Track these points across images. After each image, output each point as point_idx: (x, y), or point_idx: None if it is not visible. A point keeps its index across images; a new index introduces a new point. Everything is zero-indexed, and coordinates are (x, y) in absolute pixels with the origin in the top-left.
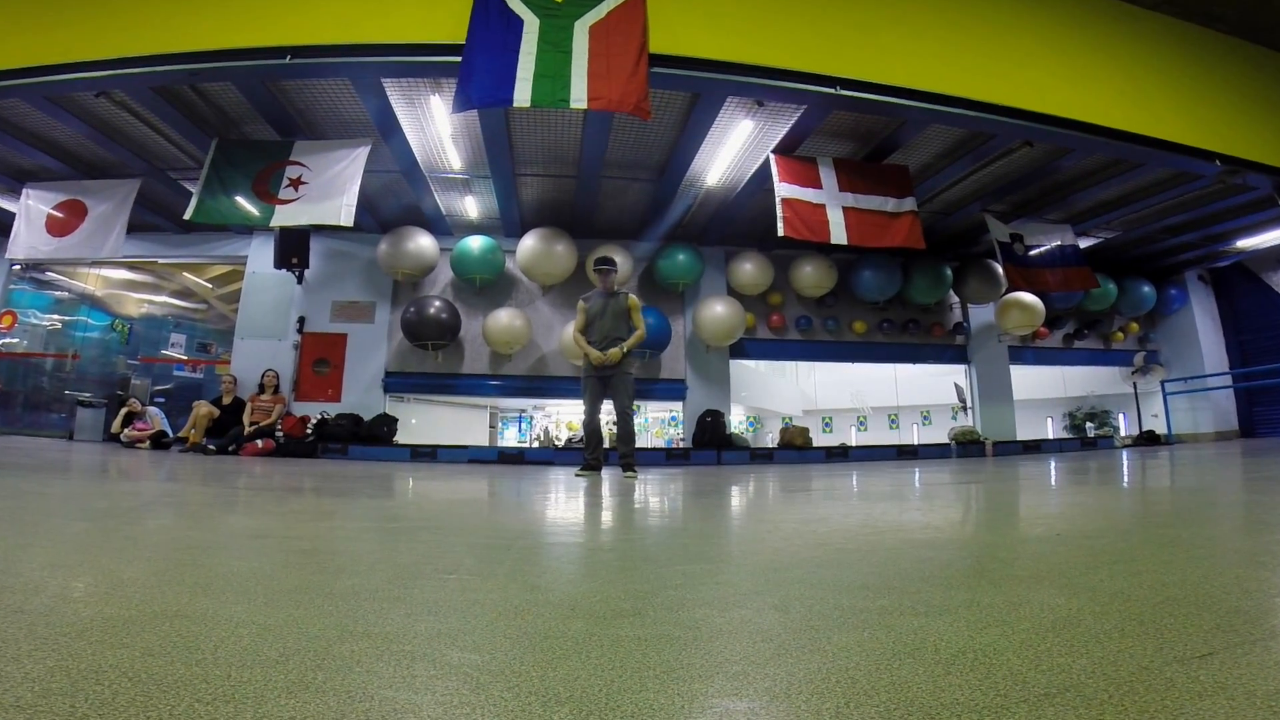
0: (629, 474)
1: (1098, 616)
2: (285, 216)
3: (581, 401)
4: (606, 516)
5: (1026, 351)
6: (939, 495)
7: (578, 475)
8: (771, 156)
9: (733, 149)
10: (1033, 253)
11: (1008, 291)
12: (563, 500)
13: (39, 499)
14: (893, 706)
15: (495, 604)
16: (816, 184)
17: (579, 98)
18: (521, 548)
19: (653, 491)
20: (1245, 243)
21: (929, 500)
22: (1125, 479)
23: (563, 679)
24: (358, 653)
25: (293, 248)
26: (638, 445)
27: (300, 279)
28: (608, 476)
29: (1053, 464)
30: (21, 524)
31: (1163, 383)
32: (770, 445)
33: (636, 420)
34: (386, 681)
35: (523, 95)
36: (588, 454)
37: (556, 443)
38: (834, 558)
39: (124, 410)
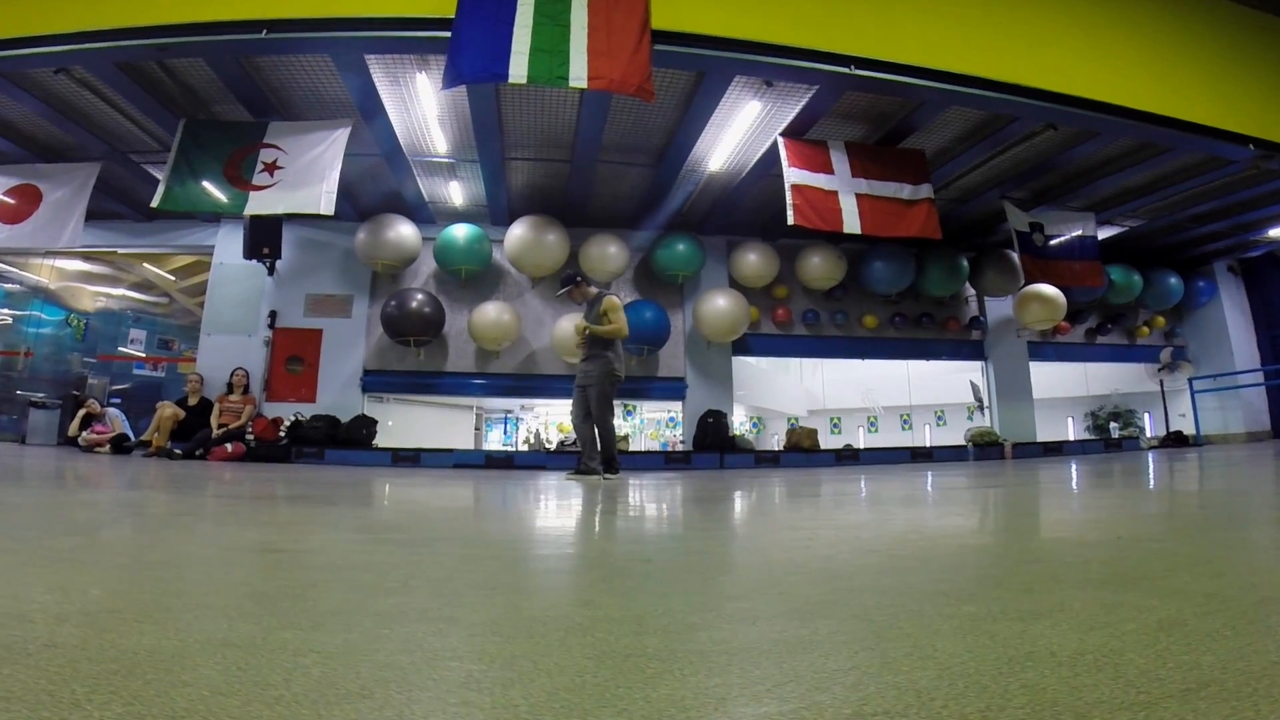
0: (607, 475)
1: (1200, 617)
2: (260, 204)
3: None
4: (629, 526)
5: (1046, 347)
6: (973, 500)
7: (568, 479)
8: (780, 140)
9: (738, 132)
10: (1052, 243)
11: (1026, 284)
12: (573, 509)
13: (8, 511)
14: (1036, 708)
15: (557, 620)
16: (828, 169)
17: (578, 76)
18: (554, 559)
19: (665, 498)
20: (1278, 231)
21: (964, 505)
22: (1163, 482)
23: (668, 699)
24: (440, 680)
25: (264, 237)
26: (631, 448)
27: (271, 270)
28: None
29: (1079, 467)
30: (6, 538)
31: (1190, 380)
32: (776, 448)
33: (632, 421)
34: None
35: (519, 71)
36: (582, 459)
37: (548, 446)
38: (891, 564)
39: (82, 412)
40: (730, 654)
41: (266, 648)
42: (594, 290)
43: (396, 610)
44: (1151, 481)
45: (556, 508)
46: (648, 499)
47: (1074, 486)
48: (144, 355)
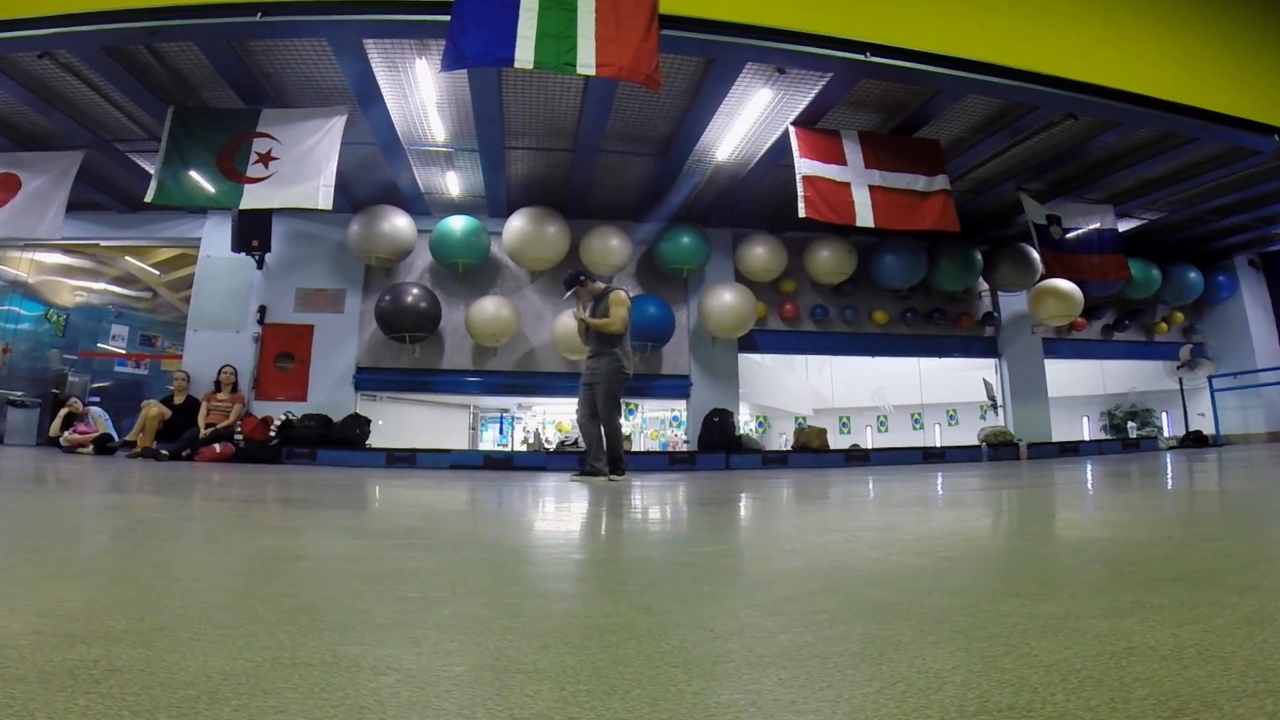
0: (613, 477)
1: None
2: (255, 198)
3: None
4: (656, 530)
5: (1062, 344)
6: (1002, 501)
7: (573, 480)
8: (791, 129)
9: (748, 121)
10: (1070, 236)
11: (1042, 278)
12: (591, 513)
13: (13, 519)
14: (1160, 698)
15: (623, 628)
16: (840, 160)
17: (586, 62)
18: (591, 565)
19: (680, 500)
20: None
21: (995, 506)
22: (1194, 483)
23: (775, 704)
24: (535, 695)
25: (253, 229)
26: (633, 448)
27: (261, 264)
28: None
29: (1101, 468)
30: (17, 548)
31: (1210, 378)
32: (783, 448)
33: (634, 419)
34: None
35: (525, 56)
36: (586, 459)
37: (547, 446)
38: (946, 566)
39: (63, 411)
40: (821, 657)
41: (340, 665)
42: (600, 286)
43: (454, 621)
44: (1182, 482)
45: (573, 511)
46: (664, 501)
47: (1102, 488)
48: (123, 352)
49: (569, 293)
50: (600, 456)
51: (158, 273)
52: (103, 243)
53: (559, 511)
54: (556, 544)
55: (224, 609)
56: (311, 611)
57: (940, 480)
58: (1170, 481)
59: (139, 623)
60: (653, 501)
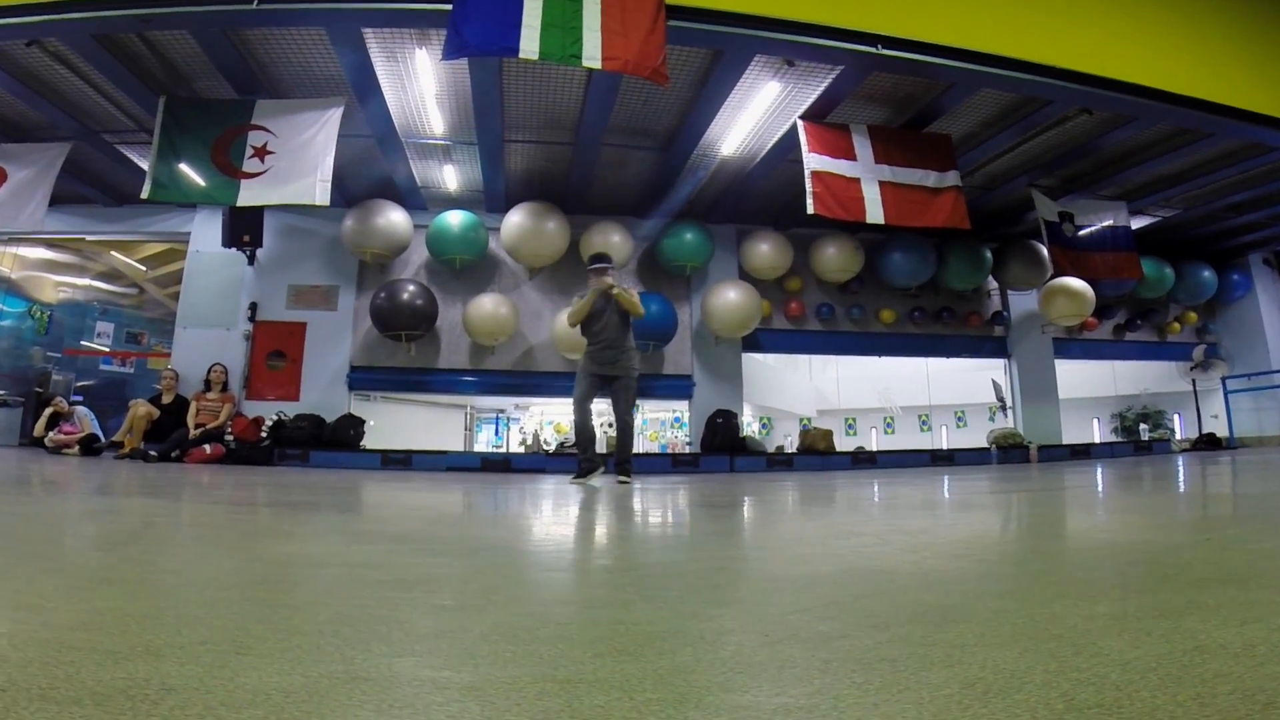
0: (621, 480)
1: None
2: (252, 194)
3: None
4: (675, 534)
5: (1072, 344)
6: (1025, 505)
7: (573, 483)
8: (800, 123)
9: (755, 114)
10: (1082, 233)
11: (1053, 277)
12: (606, 517)
13: (16, 523)
14: (1245, 694)
15: (675, 634)
16: (850, 155)
17: (592, 56)
18: (619, 571)
19: (693, 503)
20: None
21: (1019, 509)
22: (1215, 485)
23: (855, 703)
24: (604, 707)
25: (244, 224)
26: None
27: (252, 259)
28: (605, 484)
29: (1117, 471)
30: (26, 556)
31: (1223, 379)
32: (787, 449)
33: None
34: None
35: (530, 46)
36: (580, 456)
37: (546, 448)
38: (987, 569)
39: (48, 410)
40: (889, 660)
41: (399, 681)
42: (610, 281)
43: (499, 630)
44: (1202, 486)
45: (585, 515)
46: (676, 504)
47: (1122, 491)
48: (107, 349)
49: (598, 266)
50: (594, 455)
51: (144, 268)
52: (88, 237)
53: (570, 516)
54: (578, 549)
55: (259, 620)
56: (351, 622)
57: (954, 484)
58: (1190, 485)
59: (178, 636)
60: (665, 505)
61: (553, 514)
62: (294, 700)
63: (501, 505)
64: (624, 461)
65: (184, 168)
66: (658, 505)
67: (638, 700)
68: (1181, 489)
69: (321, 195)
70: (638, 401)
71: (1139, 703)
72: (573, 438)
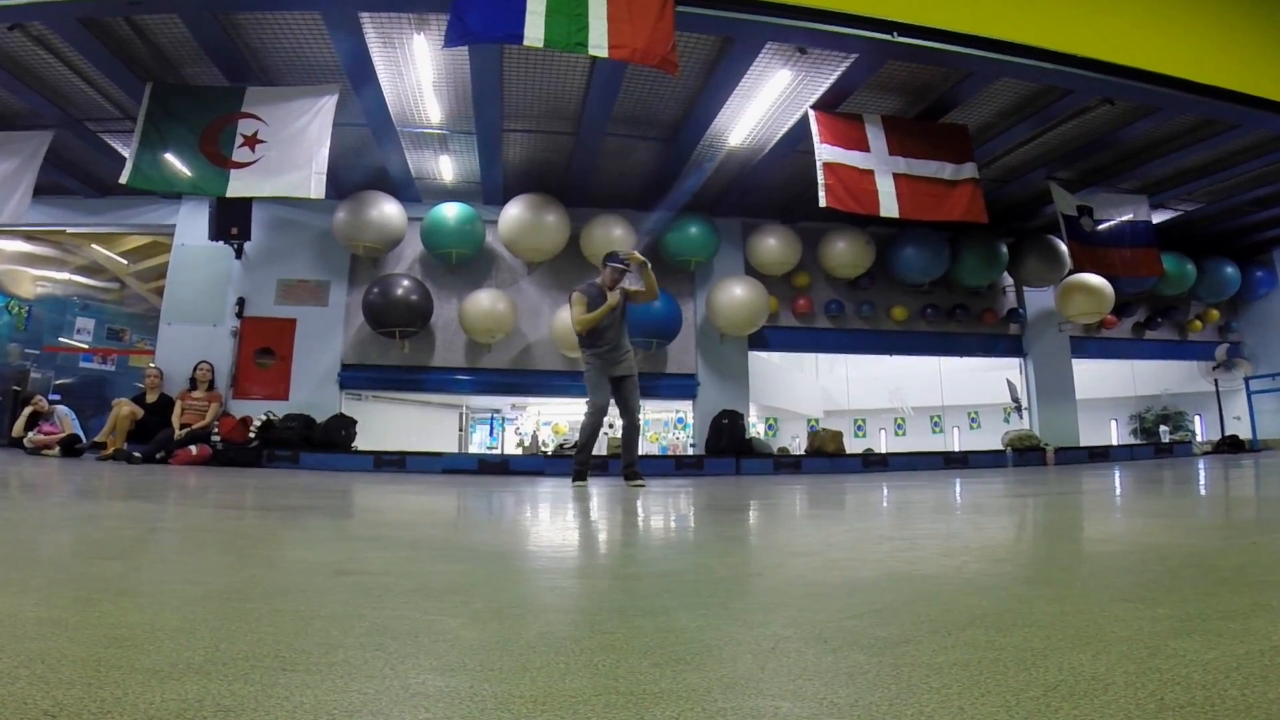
0: (636, 483)
1: None
2: (243, 185)
3: (590, 400)
4: (696, 539)
5: (1090, 343)
6: (1053, 508)
7: (576, 486)
8: (811, 113)
9: (764, 104)
10: (1101, 228)
11: (1071, 273)
12: (624, 521)
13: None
14: None
15: (731, 642)
16: (863, 146)
17: (598, 43)
18: (649, 578)
19: (708, 506)
20: None
21: (1048, 512)
22: (1244, 489)
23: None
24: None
25: (232, 216)
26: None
27: (239, 253)
28: (615, 486)
29: (1138, 474)
30: (36, 564)
31: (1247, 379)
32: (795, 451)
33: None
34: None
35: (535, 33)
36: (579, 457)
37: (545, 450)
38: (1033, 573)
39: (28, 410)
40: (962, 665)
41: (462, 698)
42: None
43: (545, 640)
44: (1232, 489)
45: (599, 520)
46: (690, 508)
47: (1150, 495)
48: (85, 346)
49: (617, 265)
50: (588, 459)
51: (126, 262)
52: (69, 229)
53: (584, 520)
54: (600, 554)
55: (296, 633)
56: (392, 635)
57: (973, 487)
58: (1219, 488)
59: (217, 652)
60: (679, 509)
61: (565, 518)
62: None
63: (510, 509)
64: (632, 464)
65: (170, 157)
66: (672, 509)
67: (711, 711)
68: (1211, 493)
69: (316, 188)
70: (640, 403)
71: (1230, 700)
72: (576, 439)
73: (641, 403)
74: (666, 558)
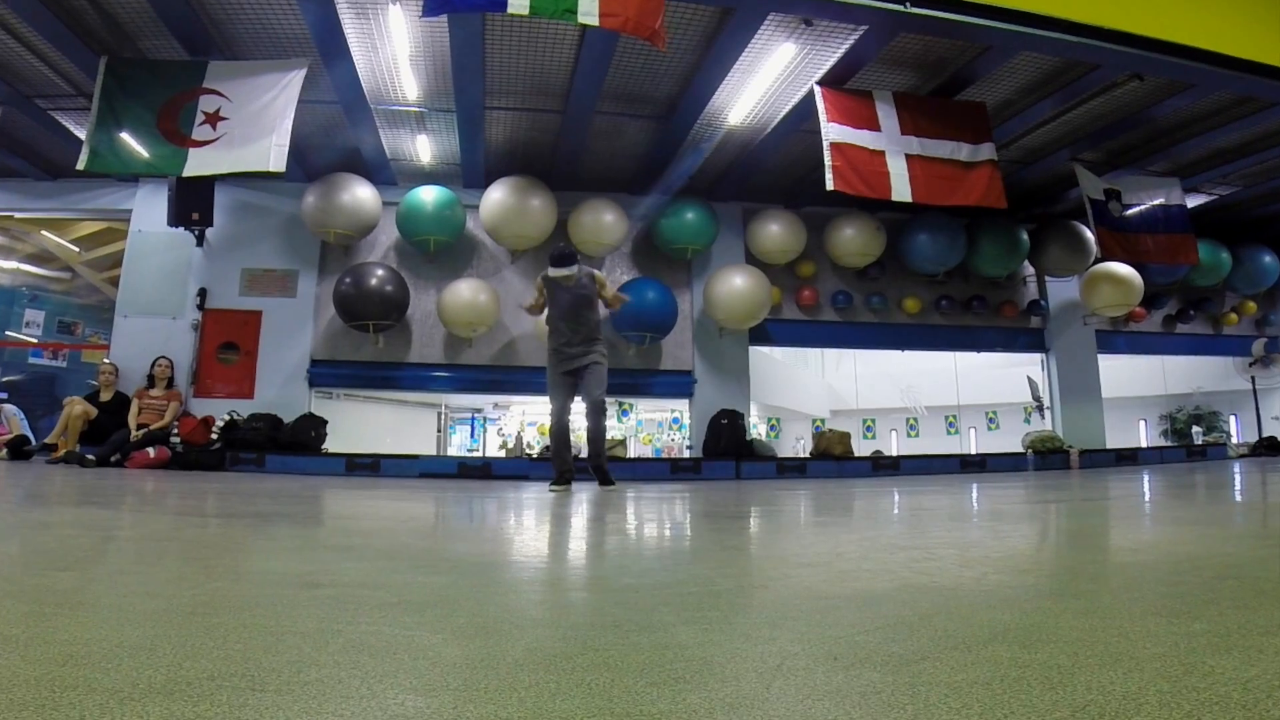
0: (607, 486)
1: None
2: (201, 163)
3: (549, 400)
4: (704, 549)
5: (1117, 338)
6: (1077, 515)
7: (552, 490)
8: (817, 89)
9: (766, 80)
10: (1130, 213)
11: (1097, 261)
12: (611, 529)
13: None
14: None
15: (733, 659)
16: (873, 125)
17: (588, 11)
18: (651, 590)
19: (707, 513)
20: None
21: (1071, 520)
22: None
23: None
24: None
25: (192, 200)
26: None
27: (201, 240)
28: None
29: (1171, 478)
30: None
31: None
32: (800, 454)
33: (628, 421)
34: None
35: (519, 1)
36: (557, 464)
37: (529, 452)
38: (1058, 585)
39: None
40: (983, 684)
41: None
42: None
43: (534, 657)
44: (1271, 493)
45: (586, 528)
46: (687, 516)
47: (1184, 501)
48: (35, 340)
49: (569, 268)
50: (569, 460)
51: (79, 250)
52: (16, 214)
53: (572, 527)
54: (591, 565)
55: (266, 650)
56: (370, 652)
57: (992, 493)
58: (1257, 494)
59: (180, 670)
60: (675, 516)
61: (551, 526)
62: None
63: (492, 517)
64: (598, 462)
65: (126, 136)
66: (668, 516)
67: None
68: (1248, 498)
69: (277, 161)
70: (632, 401)
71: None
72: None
73: (605, 389)
74: (663, 569)
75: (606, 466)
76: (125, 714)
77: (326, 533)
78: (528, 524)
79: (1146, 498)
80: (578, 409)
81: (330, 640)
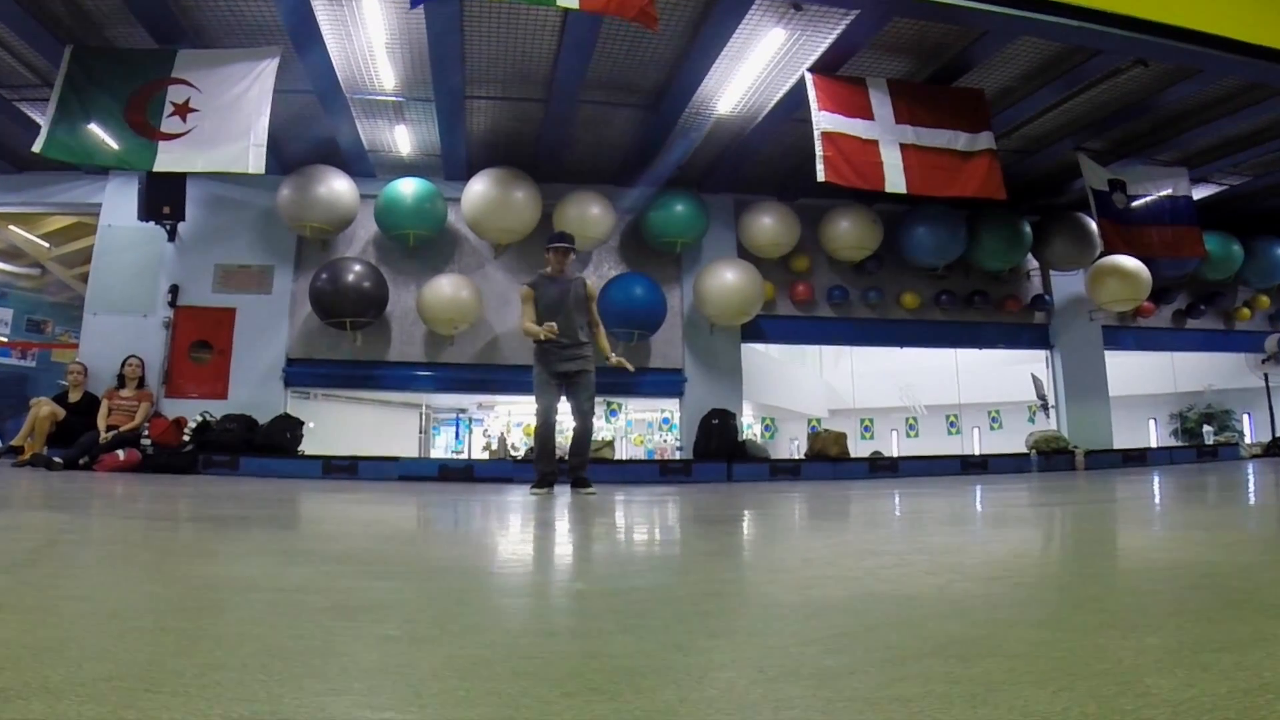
0: (586, 491)
1: None
2: (172, 159)
3: (536, 401)
4: (673, 553)
5: (1125, 334)
6: (1068, 519)
7: (533, 493)
8: (808, 76)
9: (756, 67)
10: (1136, 204)
11: (1102, 255)
12: (591, 533)
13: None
14: None
15: (657, 670)
16: (867, 114)
17: None
18: (602, 596)
19: (687, 517)
20: None
21: (1060, 524)
22: None
23: None
24: None
25: (164, 194)
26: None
27: (173, 235)
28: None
29: (1178, 480)
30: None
31: None
32: (795, 455)
33: (617, 421)
34: None
35: None
36: (541, 466)
37: (514, 454)
38: (1025, 594)
39: None
40: (902, 700)
41: None
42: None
43: (453, 665)
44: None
45: (562, 532)
46: (666, 520)
47: (1185, 504)
48: (9, 340)
49: (560, 246)
50: (552, 463)
51: (48, 245)
52: None
53: (541, 532)
54: (548, 571)
55: (176, 653)
56: (282, 655)
57: (989, 495)
58: (1265, 498)
59: (80, 671)
60: (652, 520)
61: (520, 530)
62: None
63: (462, 520)
64: (579, 466)
65: (93, 127)
66: (644, 520)
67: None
68: (1260, 500)
69: (255, 162)
70: (621, 401)
71: None
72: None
73: (596, 402)
74: (624, 574)
75: (586, 471)
76: (6, 712)
77: (285, 537)
78: (496, 529)
79: (1145, 502)
80: (563, 408)
81: (246, 644)
